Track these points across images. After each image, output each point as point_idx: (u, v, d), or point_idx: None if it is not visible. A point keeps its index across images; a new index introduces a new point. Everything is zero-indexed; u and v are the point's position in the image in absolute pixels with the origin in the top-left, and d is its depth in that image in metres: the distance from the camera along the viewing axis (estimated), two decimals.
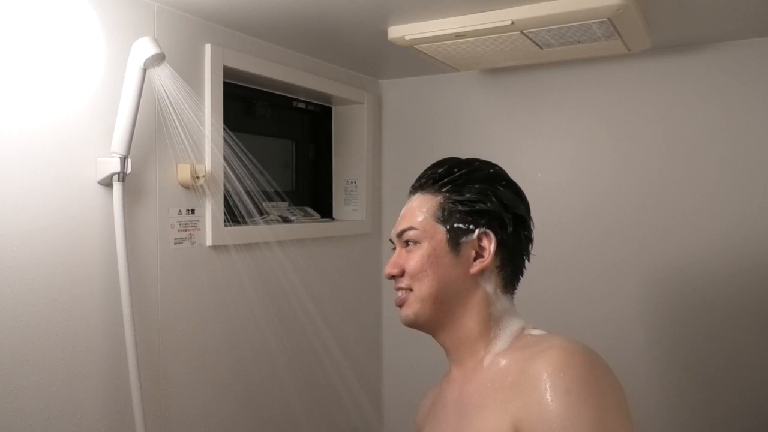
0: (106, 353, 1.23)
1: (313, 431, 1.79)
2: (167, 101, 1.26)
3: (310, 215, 1.93)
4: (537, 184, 1.93)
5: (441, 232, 0.89)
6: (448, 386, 0.95)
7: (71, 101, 1.17)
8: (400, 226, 0.93)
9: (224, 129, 1.45)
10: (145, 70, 1.20)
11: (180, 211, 1.40)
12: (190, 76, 1.39)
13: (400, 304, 0.92)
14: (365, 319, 2.12)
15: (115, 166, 1.19)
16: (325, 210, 2.10)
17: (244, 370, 1.56)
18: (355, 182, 2.11)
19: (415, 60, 1.73)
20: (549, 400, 0.71)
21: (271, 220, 1.70)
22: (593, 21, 1.33)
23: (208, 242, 1.46)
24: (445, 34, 1.44)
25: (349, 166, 2.12)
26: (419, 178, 0.96)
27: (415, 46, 1.53)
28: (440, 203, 0.91)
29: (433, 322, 0.92)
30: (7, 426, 1.06)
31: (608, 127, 1.83)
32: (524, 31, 1.40)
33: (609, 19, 1.31)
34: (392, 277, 0.92)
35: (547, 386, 0.72)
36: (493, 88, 1.99)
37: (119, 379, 1.24)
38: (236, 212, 1.47)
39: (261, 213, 1.62)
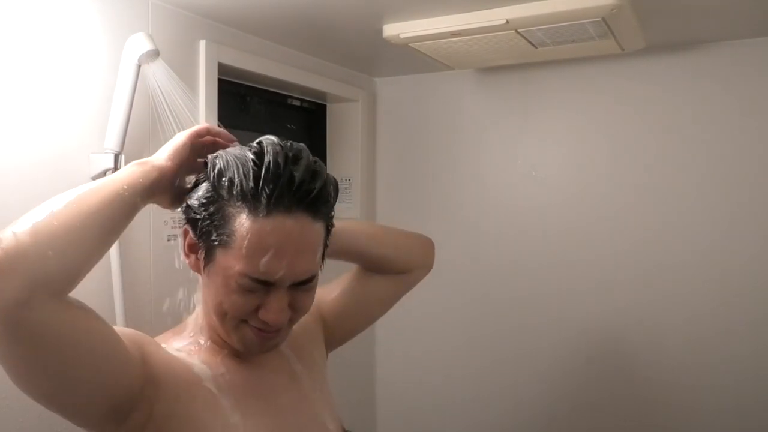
0: None
1: None
2: (161, 97, 1.26)
3: None
4: (531, 182, 1.94)
5: (322, 253, 0.83)
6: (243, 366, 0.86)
7: (65, 97, 1.17)
8: (305, 274, 0.79)
9: (219, 125, 1.45)
10: (139, 66, 1.20)
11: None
12: (184, 72, 1.38)
13: (273, 337, 0.83)
14: None
15: (108, 162, 1.19)
16: None
17: None
18: (349, 180, 2.11)
19: (410, 58, 1.73)
20: None
21: None
22: (587, 20, 1.33)
23: None
24: (440, 33, 1.44)
25: (344, 163, 2.12)
26: (300, 197, 0.75)
27: (410, 45, 1.53)
28: (328, 225, 0.82)
29: None
30: None
31: (602, 126, 1.83)
32: (519, 30, 1.41)
33: (603, 18, 1.31)
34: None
35: None
36: (487, 86, 2.00)
37: None
38: None
39: None
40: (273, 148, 0.76)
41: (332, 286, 1.07)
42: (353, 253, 1.02)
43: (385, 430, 2.19)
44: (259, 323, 0.79)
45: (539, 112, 1.92)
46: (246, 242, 0.73)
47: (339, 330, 1.05)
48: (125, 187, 0.72)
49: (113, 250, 1.21)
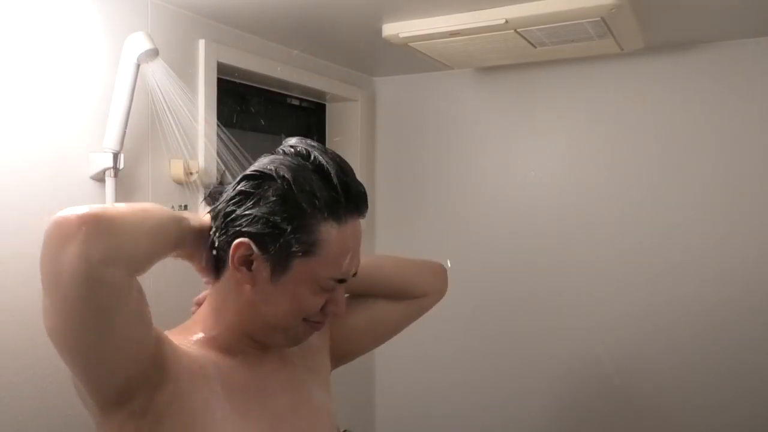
0: None
1: None
2: (161, 97, 1.26)
3: None
4: (529, 182, 1.94)
5: None
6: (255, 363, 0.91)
7: (64, 96, 1.17)
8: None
9: (218, 125, 1.45)
10: (138, 66, 1.20)
11: (173, 206, 1.40)
12: (183, 71, 1.38)
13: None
14: None
15: (107, 162, 1.19)
16: None
17: None
18: None
19: (410, 58, 1.73)
20: None
21: None
22: (587, 20, 1.33)
23: None
24: (440, 32, 1.44)
25: None
26: (363, 200, 0.85)
27: (410, 44, 1.53)
28: None
29: None
30: None
31: (600, 126, 1.84)
32: (518, 30, 1.41)
33: (602, 18, 1.31)
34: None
35: None
36: (486, 86, 2.00)
37: None
38: None
39: None
40: (325, 156, 0.81)
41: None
42: (369, 293, 1.06)
43: None
44: (320, 317, 0.86)
45: (538, 111, 1.92)
46: (333, 248, 0.80)
47: (344, 346, 1.06)
48: (182, 218, 0.81)
49: None
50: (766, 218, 1.64)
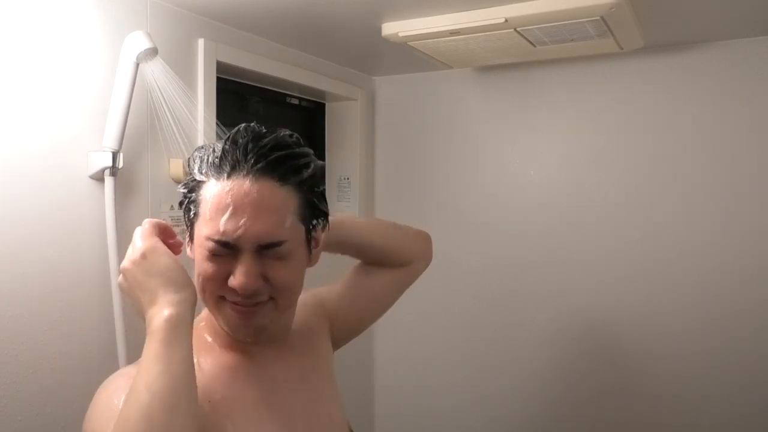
0: (96, 348, 1.22)
1: None
2: (160, 96, 1.26)
3: None
4: (528, 181, 1.94)
5: (302, 231, 0.81)
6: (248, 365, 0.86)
7: (63, 95, 1.17)
8: (267, 236, 0.76)
9: (217, 124, 1.45)
10: (137, 65, 1.20)
11: (172, 206, 1.40)
12: (182, 70, 1.38)
13: (252, 313, 0.80)
14: None
15: (106, 161, 1.19)
16: None
17: None
18: (348, 179, 2.11)
19: (409, 57, 1.73)
20: None
21: None
22: (586, 19, 1.34)
23: None
24: (439, 31, 1.44)
25: (342, 162, 2.12)
26: (260, 158, 0.76)
27: (409, 43, 1.53)
28: (306, 200, 0.81)
29: (281, 326, 0.89)
30: None
31: (600, 126, 1.84)
32: (518, 29, 1.41)
33: (602, 17, 1.31)
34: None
35: None
36: (486, 85, 2.00)
37: (109, 374, 1.23)
38: None
39: None
40: (243, 126, 0.80)
41: (335, 284, 1.08)
42: (351, 246, 1.02)
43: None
44: (234, 296, 0.78)
45: (538, 110, 1.92)
46: (209, 205, 0.77)
47: (344, 326, 1.05)
48: (178, 311, 0.74)
49: (112, 252, 1.20)
50: (766, 217, 1.64)
